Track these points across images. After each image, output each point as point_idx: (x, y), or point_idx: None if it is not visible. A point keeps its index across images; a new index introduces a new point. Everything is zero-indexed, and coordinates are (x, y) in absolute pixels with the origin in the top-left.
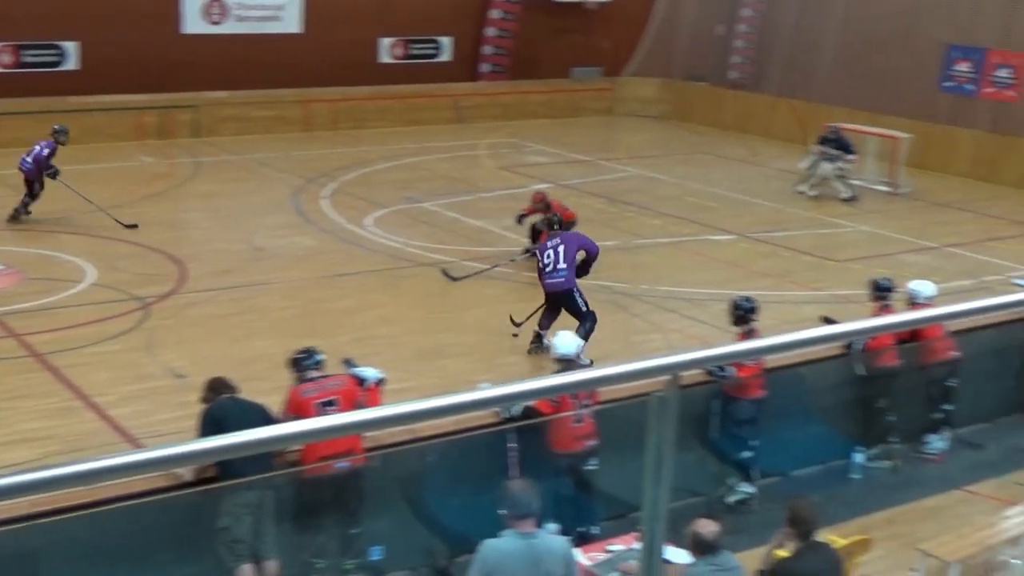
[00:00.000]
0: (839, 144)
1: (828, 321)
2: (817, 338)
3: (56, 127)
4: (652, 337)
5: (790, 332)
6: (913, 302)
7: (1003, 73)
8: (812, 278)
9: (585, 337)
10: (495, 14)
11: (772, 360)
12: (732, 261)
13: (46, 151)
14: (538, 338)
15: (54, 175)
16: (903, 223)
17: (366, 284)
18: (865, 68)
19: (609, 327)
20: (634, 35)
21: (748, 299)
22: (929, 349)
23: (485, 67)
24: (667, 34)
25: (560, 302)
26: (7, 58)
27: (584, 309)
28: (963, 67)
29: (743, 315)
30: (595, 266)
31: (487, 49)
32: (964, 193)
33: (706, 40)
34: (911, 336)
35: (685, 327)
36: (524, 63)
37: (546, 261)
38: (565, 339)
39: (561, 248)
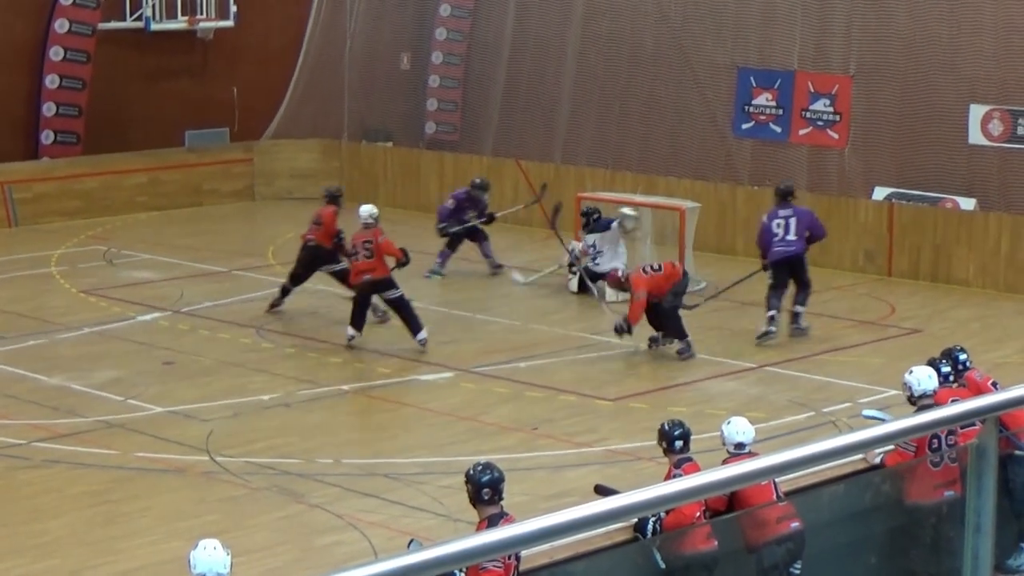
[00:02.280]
0: (599, 227)
1: (603, 492)
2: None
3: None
4: (344, 538)
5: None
6: (731, 453)
7: (821, 105)
8: (576, 427)
9: (804, 303)
10: (56, 54)
11: None
12: (454, 412)
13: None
14: (772, 321)
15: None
16: (702, 335)
17: None
18: (625, 107)
19: (278, 526)
20: (277, 78)
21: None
22: (757, 521)
23: (47, 137)
24: (328, 74)
25: (793, 268)
26: None
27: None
28: (764, 99)
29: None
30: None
31: (49, 108)
32: None
33: (388, 79)
34: (728, 504)
35: (393, 518)
36: (109, 128)
37: (776, 230)
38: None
39: (792, 220)
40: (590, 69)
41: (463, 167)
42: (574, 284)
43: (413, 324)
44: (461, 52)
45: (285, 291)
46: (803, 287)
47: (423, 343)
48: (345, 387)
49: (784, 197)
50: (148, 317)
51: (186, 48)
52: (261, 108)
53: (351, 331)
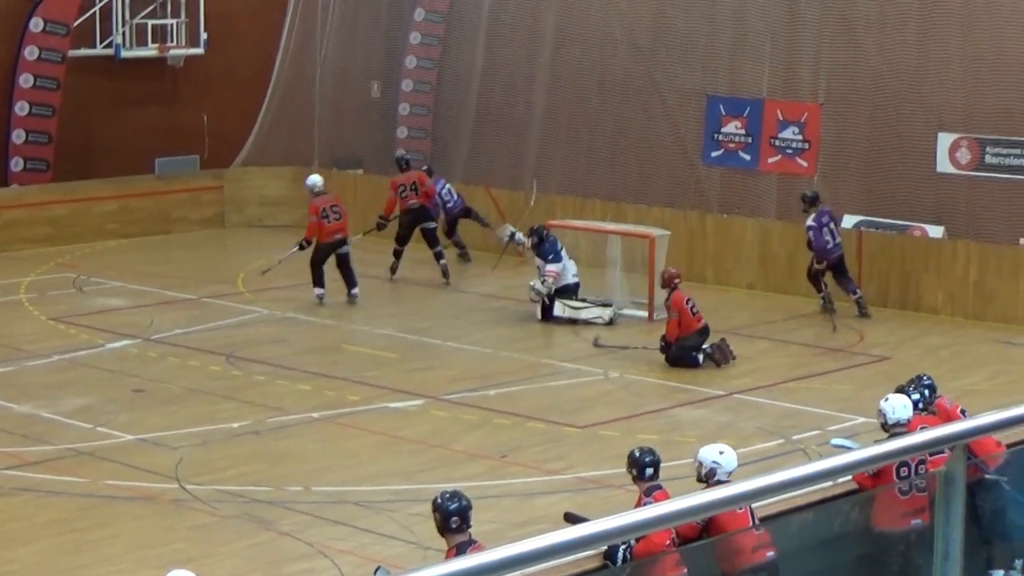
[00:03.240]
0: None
1: (573, 520)
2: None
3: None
4: (314, 566)
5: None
6: (710, 479)
7: (790, 133)
8: (545, 455)
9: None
10: (26, 81)
11: None
12: (424, 439)
13: None
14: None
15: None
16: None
17: None
18: (594, 135)
19: (248, 554)
20: (248, 105)
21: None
22: (732, 549)
23: (17, 164)
24: (299, 101)
25: (841, 264)
26: None
27: None
28: (733, 127)
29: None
30: None
31: (18, 136)
32: (751, 312)
33: (359, 107)
34: (700, 532)
35: (362, 546)
36: (78, 155)
37: (826, 236)
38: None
39: (832, 223)
40: (560, 97)
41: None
42: (538, 311)
43: (351, 279)
44: (431, 80)
45: (398, 254)
46: (848, 275)
47: (355, 297)
48: (315, 414)
49: (814, 203)
50: (118, 344)
51: (156, 75)
52: (231, 136)
53: (320, 291)
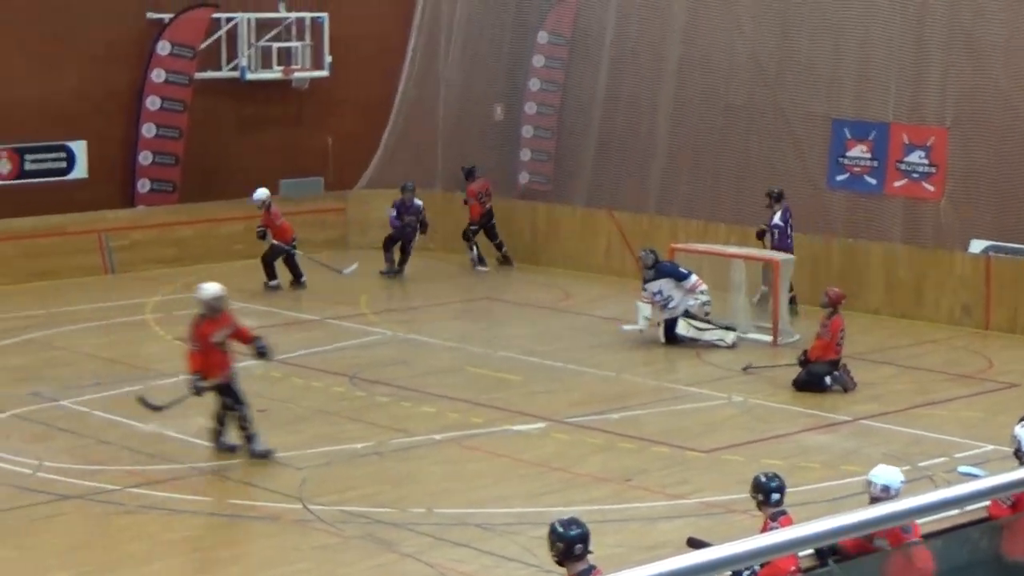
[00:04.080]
0: (660, 272)
1: (697, 545)
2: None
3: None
4: None
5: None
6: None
7: (916, 157)
8: (669, 479)
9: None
10: (153, 104)
11: None
12: (546, 462)
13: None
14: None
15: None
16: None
17: None
18: (718, 160)
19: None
20: (371, 127)
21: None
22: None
23: (144, 185)
24: (422, 123)
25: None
26: None
27: None
28: (859, 151)
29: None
30: None
31: (145, 157)
32: (877, 337)
33: (481, 129)
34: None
35: (484, 569)
36: (205, 176)
37: (790, 232)
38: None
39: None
40: (684, 120)
41: (556, 217)
42: (661, 334)
43: (298, 273)
44: (555, 103)
45: (474, 247)
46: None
47: (303, 284)
48: (438, 436)
49: (780, 199)
50: (242, 365)
51: (281, 97)
52: (355, 157)
53: (276, 282)
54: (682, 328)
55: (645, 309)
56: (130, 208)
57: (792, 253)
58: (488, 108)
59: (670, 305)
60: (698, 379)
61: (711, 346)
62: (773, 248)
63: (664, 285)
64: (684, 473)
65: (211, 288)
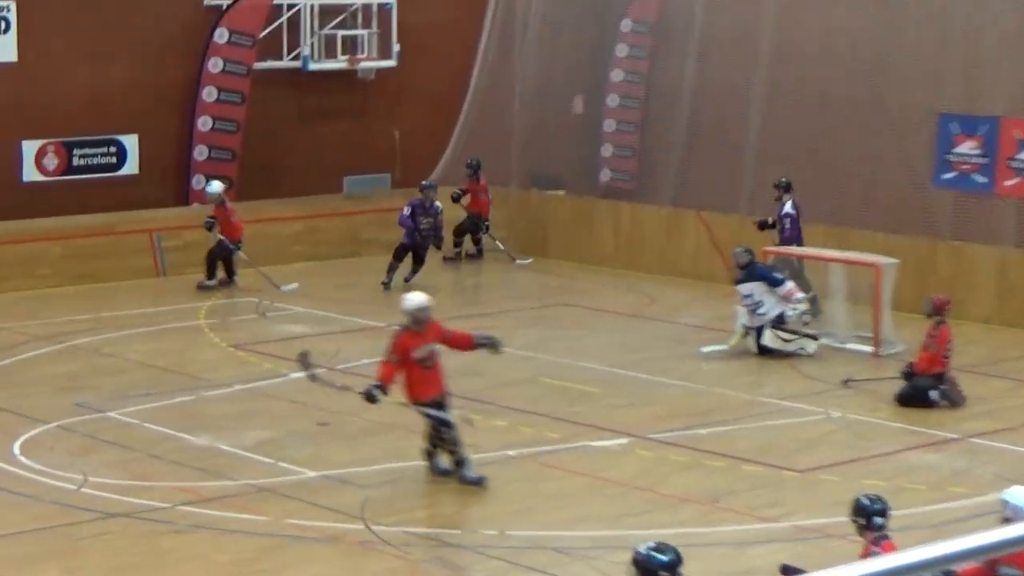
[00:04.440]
0: (753, 274)
1: (790, 572)
2: None
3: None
4: None
5: None
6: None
7: None
8: (761, 500)
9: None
10: (210, 95)
11: None
12: (629, 481)
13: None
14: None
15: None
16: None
17: (20, 551)
18: (815, 156)
19: None
20: (441, 121)
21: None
22: None
23: (199, 182)
24: (496, 117)
25: None
26: None
27: None
28: (968, 147)
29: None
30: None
31: (200, 152)
32: (988, 348)
33: (560, 124)
34: None
35: None
36: (263, 173)
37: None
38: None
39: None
40: (777, 114)
41: (640, 218)
42: (753, 344)
43: (231, 271)
44: (639, 95)
45: (478, 241)
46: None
47: (235, 284)
48: (511, 453)
49: (789, 189)
50: (302, 374)
51: (346, 89)
52: (424, 153)
53: (213, 282)
54: (767, 339)
55: (745, 316)
56: (184, 206)
57: (803, 244)
58: (567, 101)
59: (759, 311)
60: (793, 392)
61: (805, 356)
62: (782, 240)
63: (756, 289)
64: (777, 494)
65: (416, 298)
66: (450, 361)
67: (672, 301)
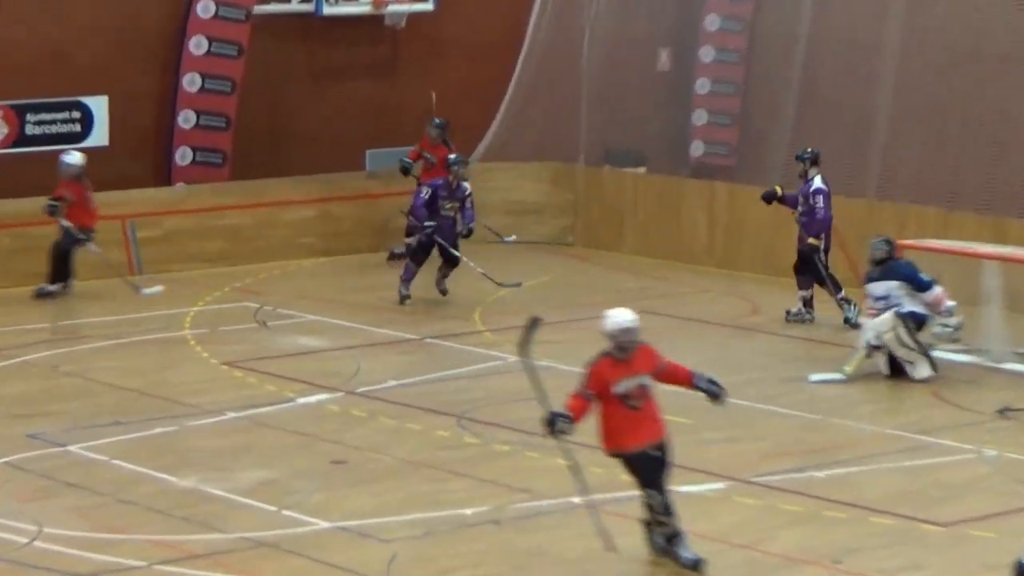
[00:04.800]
0: (892, 272)
1: None
2: None
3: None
4: None
5: None
6: None
7: None
8: (895, 562)
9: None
10: (198, 46)
11: None
12: (725, 536)
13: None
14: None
15: None
16: None
17: None
18: (964, 129)
19: None
20: (490, 80)
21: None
22: None
23: (184, 156)
24: (560, 75)
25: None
26: None
27: None
28: None
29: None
30: None
31: (186, 119)
32: None
33: (640, 84)
34: None
35: None
36: (265, 145)
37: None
38: None
39: None
40: (916, 71)
41: (741, 203)
42: (884, 364)
43: (68, 274)
44: (740, 48)
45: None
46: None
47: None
48: (576, 500)
49: (816, 161)
50: (312, 399)
51: (370, 39)
52: (468, 121)
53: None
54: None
55: (872, 329)
56: (165, 187)
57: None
58: (649, 55)
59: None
60: (935, 425)
61: (918, 381)
62: (814, 224)
63: (894, 290)
64: (915, 553)
65: (621, 316)
66: (504, 383)
67: (781, 309)
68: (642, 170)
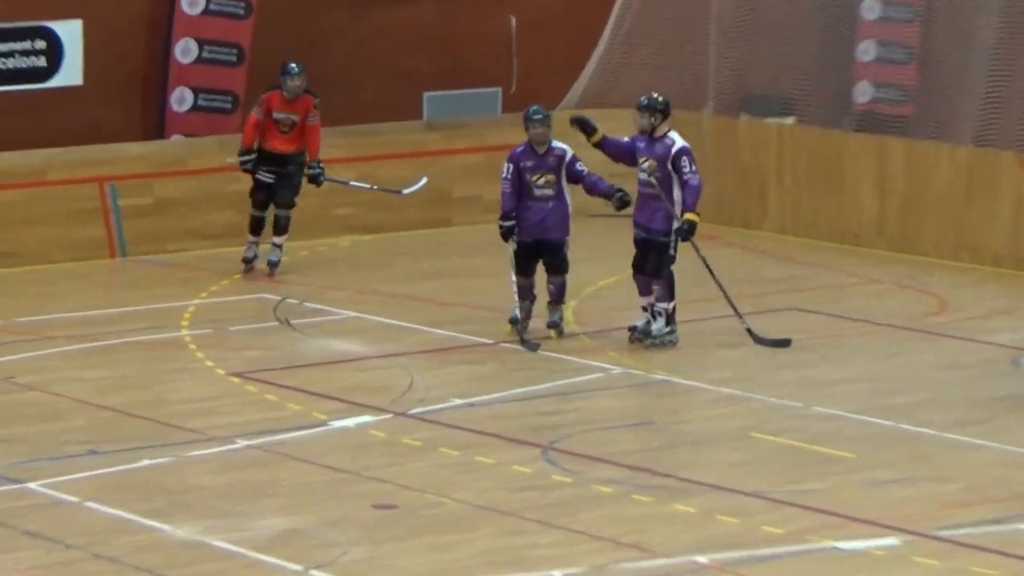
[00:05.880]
0: None
1: None
2: None
3: None
4: None
5: None
6: None
7: None
8: None
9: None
10: None
11: None
12: None
13: None
14: None
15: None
16: None
17: None
18: None
19: None
20: (584, 7)
21: None
22: None
23: (182, 100)
24: (675, 3)
25: None
26: None
27: None
28: None
29: None
30: None
31: (185, 51)
32: None
33: (785, 14)
34: None
35: None
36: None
37: None
38: None
39: None
40: None
41: (922, 165)
42: None
43: None
44: None
45: None
46: None
47: None
48: (701, 559)
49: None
50: (351, 423)
51: None
52: (557, 59)
53: None
54: None
55: None
56: (156, 140)
57: None
58: None
59: None
60: None
61: None
62: (685, 190)
63: None
64: None
65: None
66: (604, 402)
67: (975, 306)
68: (790, 120)
